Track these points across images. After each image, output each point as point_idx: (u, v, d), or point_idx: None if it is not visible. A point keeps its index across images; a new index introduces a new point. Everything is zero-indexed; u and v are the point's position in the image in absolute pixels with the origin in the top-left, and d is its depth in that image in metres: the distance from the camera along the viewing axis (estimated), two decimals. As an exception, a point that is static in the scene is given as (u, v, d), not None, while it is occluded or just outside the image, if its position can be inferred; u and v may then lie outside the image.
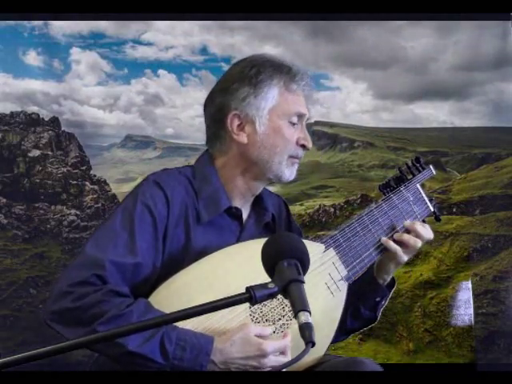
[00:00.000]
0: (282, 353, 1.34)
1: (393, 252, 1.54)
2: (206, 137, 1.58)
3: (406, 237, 1.55)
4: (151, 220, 1.40)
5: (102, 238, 1.38)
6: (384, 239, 1.55)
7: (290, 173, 1.52)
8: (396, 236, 1.56)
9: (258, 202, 1.60)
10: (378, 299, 1.61)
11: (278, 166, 1.49)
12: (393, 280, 1.64)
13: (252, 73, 1.49)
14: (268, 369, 1.32)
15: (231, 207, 1.51)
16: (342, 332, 1.62)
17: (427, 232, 1.57)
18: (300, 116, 1.51)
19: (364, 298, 1.60)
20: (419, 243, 1.55)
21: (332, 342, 1.54)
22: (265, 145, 1.48)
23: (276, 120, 1.48)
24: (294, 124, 1.50)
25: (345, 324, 1.60)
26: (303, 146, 1.51)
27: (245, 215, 1.56)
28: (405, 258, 1.55)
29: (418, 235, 1.55)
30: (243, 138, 1.48)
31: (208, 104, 1.56)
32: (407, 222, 1.57)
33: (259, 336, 1.33)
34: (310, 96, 1.56)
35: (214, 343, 1.29)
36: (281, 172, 1.50)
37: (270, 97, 1.48)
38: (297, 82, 1.50)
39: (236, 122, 1.49)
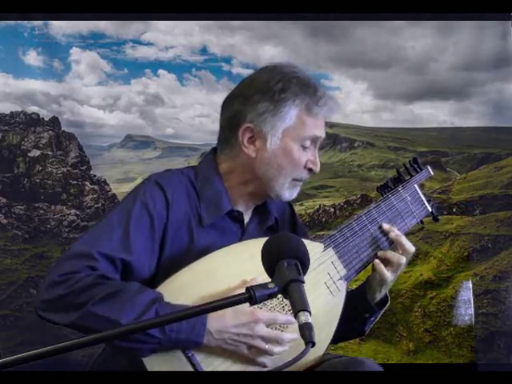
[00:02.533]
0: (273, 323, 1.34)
1: (381, 276, 1.53)
2: (218, 137, 1.56)
3: (390, 254, 1.53)
4: (149, 220, 1.39)
5: (97, 232, 1.38)
6: (376, 261, 1.53)
7: (289, 194, 1.51)
8: (380, 253, 1.54)
9: (262, 205, 1.59)
10: (366, 315, 1.60)
11: (280, 186, 1.48)
12: (386, 297, 1.61)
13: (276, 88, 1.45)
14: (259, 341, 1.32)
15: (233, 210, 1.50)
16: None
17: (400, 257, 1.53)
18: (314, 139, 1.49)
19: (354, 311, 1.59)
20: (403, 260, 1.53)
21: None
22: (271, 163, 1.46)
23: (288, 141, 1.46)
24: (305, 147, 1.48)
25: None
26: (310, 170, 1.50)
27: (247, 218, 1.55)
28: (389, 279, 1.54)
29: (390, 261, 1.53)
30: (252, 152, 1.47)
31: (226, 106, 1.54)
32: (380, 252, 1.55)
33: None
34: (330, 117, 1.53)
35: (208, 314, 1.28)
36: (281, 193, 1.49)
37: (288, 117, 1.45)
38: (320, 107, 1.47)
39: (248, 135, 1.47)
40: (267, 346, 1.33)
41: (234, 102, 1.51)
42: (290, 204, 1.71)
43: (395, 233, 1.55)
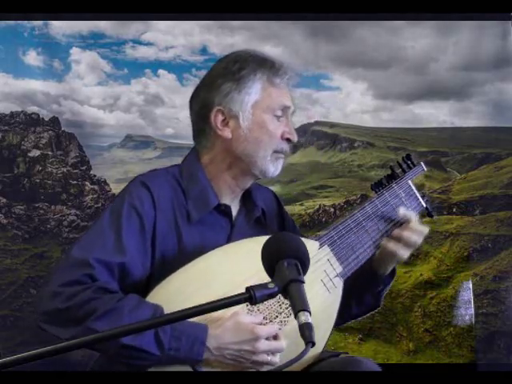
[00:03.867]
0: (275, 337, 1.35)
1: (393, 252, 1.54)
2: (192, 133, 1.59)
3: (407, 234, 1.54)
4: (138, 220, 1.41)
5: (89, 239, 1.39)
6: (384, 242, 1.55)
7: (274, 168, 1.52)
8: (395, 233, 1.55)
9: (247, 197, 1.60)
10: (380, 288, 1.62)
11: (263, 160, 1.49)
12: (394, 267, 1.63)
13: (235, 68, 1.50)
14: (262, 355, 1.33)
15: (220, 204, 1.51)
16: (347, 317, 1.65)
17: (416, 234, 1.56)
18: (284, 109, 1.52)
19: (367, 288, 1.61)
20: (419, 241, 1.55)
21: (337, 325, 1.57)
22: (249, 139, 1.48)
23: (260, 114, 1.49)
24: (278, 117, 1.51)
25: (350, 310, 1.63)
26: (288, 140, 1.52)
27: (234, 211, 1.56)
28: (406, 255, 1.55)
29: (407, 242, 1.55)
30: (227, 134, 1.49)
31: (193, 100, 1.57)
32: (396, 231, 1.56)
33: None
34: (294, 89, 1.57)
35: (208, 331, 1.30)
36: (265, 167, 1.50)
37: (253, 91, 1.49)
38: (280, 76, 1.51)
39: (220, 118, 1.50)
40: (270, 358, 1.34)
41: (200, 93, 1.55)
42: (277, 198, 1.73)
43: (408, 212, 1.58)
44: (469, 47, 3.69)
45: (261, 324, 1.36)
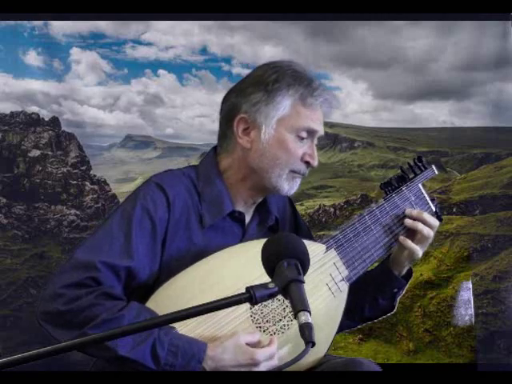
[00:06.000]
0: (270, 358, 1.34)
1: (411, 251, 1.53)
2: (218, 134, 1.56)
3: (420, 226, 1.54)
4: (150, 225, 1.38)
5: (98, 240, 1.36)
6: (402, 238, 1.54)
7: (289, 187, 1.48)
8: (408, 223, 1.55)
9: (262, 205, 1.58)
10: (395, 290, 1.61)
11: (278, 178, 1.46)
12: (410, 270, 1.63)
13: (270, 79, 1.45)
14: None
15: (234, 211, 1.49)
16: (360, 320, 1.65)
17: (434, 220, 1.56)
18: (310, 132, 1.47)
19: (381, 289, 1.60)
20: (432, 233, 1.55)
21: (349, 328, 1.59)
22: (266, 154, 1.45)
23: (282, 131, 1.45)
24: (302, 139, 1.46)
25: (363, 312, 1.62)
26: (307, 163, 1.48)
27: (248, 218, 1.54)
28: (420, 253, 1.55)
29: (427, 224, 1.54)
30: (246, 143, 1.46)
31: (224, 101, 1.54)
32: (414, 211, 1.55)
33: (249, 344, 1.32)
34: (329, 113, 1.51)
35: (206, 351, 1.28)
36: (280, 185, 1.47)
37: (282, 107, 1.44)
38: (314, 97, 1.45)
39: (242, 126, 1.47)
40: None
41: (230, 96, 1.52)
42: (291, 204, 1.70)
43: (416, 211, 1.56)
44: (469, 47, 3.69)
45: (259, 341, 1.34)
